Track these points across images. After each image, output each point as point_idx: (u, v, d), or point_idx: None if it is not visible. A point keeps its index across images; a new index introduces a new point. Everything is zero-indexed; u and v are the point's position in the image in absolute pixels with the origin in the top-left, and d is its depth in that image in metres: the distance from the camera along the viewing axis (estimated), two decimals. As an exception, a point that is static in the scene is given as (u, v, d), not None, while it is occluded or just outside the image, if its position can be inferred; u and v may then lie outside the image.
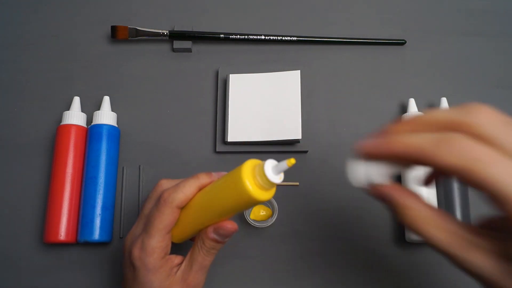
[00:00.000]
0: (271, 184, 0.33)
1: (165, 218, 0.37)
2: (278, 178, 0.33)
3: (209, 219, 0.37)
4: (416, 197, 0.28)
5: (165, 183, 0.40)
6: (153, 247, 0.37)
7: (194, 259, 0.38)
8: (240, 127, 0.50)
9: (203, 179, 0.38)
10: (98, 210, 0.46)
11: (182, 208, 0.38)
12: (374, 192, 0.29)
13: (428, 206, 0.27)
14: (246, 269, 0.48)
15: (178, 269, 0.38)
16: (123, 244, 0.40)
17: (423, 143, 0.24)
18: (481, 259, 0.25)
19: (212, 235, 0.37)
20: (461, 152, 0.23)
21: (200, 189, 0.38)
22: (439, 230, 0.26)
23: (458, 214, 0.46)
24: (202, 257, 0.38)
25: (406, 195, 0.28)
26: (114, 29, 0.54)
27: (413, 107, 0.50)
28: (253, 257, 0.48)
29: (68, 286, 0.48)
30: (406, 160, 0.26)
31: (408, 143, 0.25)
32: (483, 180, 0.23)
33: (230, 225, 0.37)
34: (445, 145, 0.24)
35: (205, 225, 0.38)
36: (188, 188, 0.37)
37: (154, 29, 0.55)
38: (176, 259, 0.39)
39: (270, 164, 0.33)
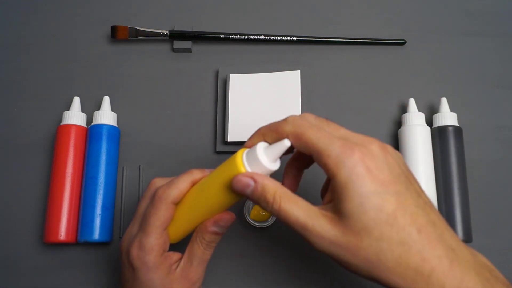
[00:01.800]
0: (266, 169, 0.32)
1: (161, 215, 0.37)
2: (273, 164, 0.33)
3: (205, 213, 0.38)
4: (269, 178, 0.33)
5: (158, 181, 0.40)
6: (152, 245, 0.37)
7: (194, 255, 0.38)
8: (240, 127, 0.50)
9: (196, 174, 0.38)
10: (98, 210, 0.46)
11: (177, 204, 0.38)
12: (239, 183, 0.33)
13: (280, 184, 0.33)
14: (246, 269, 0.48)
15: (177, 266, 0.38)
16: (120, 246, 0.40)
17: (272, 125, 0.34)
18: (324, 224, 0.30)
19: (212, 228, 0.38)
20: (293, 123, 0.33)
21: (194, 184, 0.38)
22: (297, 207, 0.32)
23: (458, 214, 0.46)
24: (202, 251, 0.38)
25: (263, 177, 0.33)
26: (114, 29, 0.54)
27: (413, 107, 0.50)
28: (253, 257, 0.48)
29: (68, 286, 0.48)
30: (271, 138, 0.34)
31: (264, 129, 0.35)
32: (305, 141, 0.31)
33: (229, 216, 0.38)
34: (285, 122, 0.33)
35: (201, 219, 0.38)
36: (182, 184, 0.38)
37: (154, 29, 0.55)
38: (174, 255, 0.39)
39: (261, 147, 0.33)
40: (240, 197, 0.36)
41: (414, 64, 0.55)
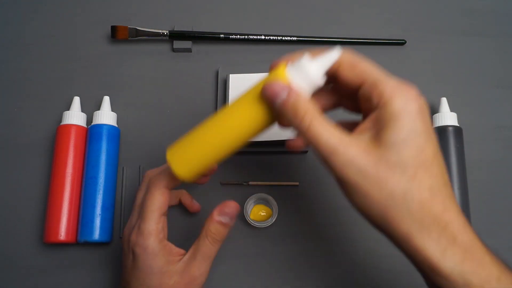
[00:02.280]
0: (311, 81, 0.30)
1: (156, 200, 0.38)
2: (319, 78, 0.30)
3: (226, 131, 0.33)
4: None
5: (152, 171, 0.43)
6: (149, 230, 0.38)
7: (199, 249, 0.39)
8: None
9: None
10: (98, 210, 0.46)
11: (170, 188, 0.39)
12: (270, 89, 0.31)
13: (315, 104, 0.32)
14: (246, 269, 0.48)
15: (180, 260, 0.39)
16: (122, 236, 0.41)
17: (323, 49, 0.33)
18: (357, 150, 0.29)
19: (218, 217, 0.39)
20: (346, 51, 0.33)
21: None
22: (329, 129, 0.30)
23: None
24: (207, 246, 0.39)
25: (299, 91, 0.31)
26: (114, 29, 0.54)
27: (413, 107, 0.50)
28: (253, 257, 0.48)
29: (68, 286, 0.48)
30: None
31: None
32: (363, 69, 0.33)
33: (233, 203, 0.39)
34: (335, 49, 0.33)
35: (220, 143, 0.34)
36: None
37: (154, 29, 0.55)
38: (177, 249, 0.40)
39: (308, 57, 0.30)
40: (272, 119, 0.32)
41: (414, 64, 0.55)
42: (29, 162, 0.51)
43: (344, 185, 0.30)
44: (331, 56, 0.30)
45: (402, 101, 0.30)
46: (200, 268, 0.39)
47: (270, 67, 0.35)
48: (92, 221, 0.46)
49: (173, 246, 0.39)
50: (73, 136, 0.49)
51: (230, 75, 0.52)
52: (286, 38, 0.55)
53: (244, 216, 0.47)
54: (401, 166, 0.28)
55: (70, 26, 0.57)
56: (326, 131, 0.30)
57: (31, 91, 0.54)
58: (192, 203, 0.48)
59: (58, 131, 0.49)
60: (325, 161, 0.30)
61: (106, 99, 0.51)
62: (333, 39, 0.55)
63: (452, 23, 0.57)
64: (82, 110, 0.51)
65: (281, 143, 0.50)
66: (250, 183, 0.50)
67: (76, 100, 0.51)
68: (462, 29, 0.57)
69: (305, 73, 0.30)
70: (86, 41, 0.56)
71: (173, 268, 0.38)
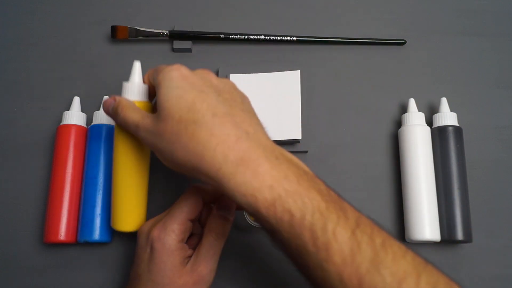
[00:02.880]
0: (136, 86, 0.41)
1: (189, 203, 0.40)
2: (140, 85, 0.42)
3: (130, 173, 0.42)
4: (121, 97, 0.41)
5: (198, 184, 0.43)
6: (173, 228, 0.39)
7: (204, 247, 0.40)
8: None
9: None
10: (98, 210, 0.46)
11: (205, 202, 0.41)
12: (105, 103, 0.41)
13: (131, 101, 0.40)
14: (246, 269, 0.48)
15: (188, 261, 0.40)
16: (139, 230, 0.41)
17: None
18: (150, 120, 0.37)
19: (218, 212, 0.40)
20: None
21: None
22: (135, 113, 0.38)
23: (458, 214, 0.46)
24: (212, 242, 0.40)
25: (122, 97, 0.41)
26: (114, 29, 0.54)
27: (413, 107, 0.51)
28: (253, 257, 0.48)
29: (68, 286, 0.48)
30: None
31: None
32: (150, 75, 0.42)
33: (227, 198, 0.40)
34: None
35: (135, 184, 0.42)
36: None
37: (154, 29, 0.55)
38: (189, 251, 0.40)
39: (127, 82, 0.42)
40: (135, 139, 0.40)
41: (414, 64, 0.55)
42: (29, 162, 0.51)
43: (151, 148, 0.38)
44: (135, 67, 0.43)
45: (164, 73, 0.37)
46: (207, 266, 0.39)
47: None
48: (92, 221, 0.46)
49: (187, 247, 0.40)
50: (73, 136, 0.49)
51: (230, 75, 0.52)
52: (286, 38, 0.55)
53: (244, 216, 0.47)
54: (169, 116, 0.35)
55: (70, 26, 0.57)
56: (133, 114, 0.38)
57: (31, 91, 0.54)
58: None
59: (58, 131, 0.49)
60: (135, 134, 0.38)
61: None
62: (333, 39, 0.55)
63: (452, 23, 0.57)
64: (82, 110, 0.51)
65: (281, 143, 0.50)
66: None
67: (76, 100, 0.51)
68: (462, 29, 0.57)
69: (125, 87, 0.41)
70: (86, 41, 0.56)
71: (183, 268, 0.39)
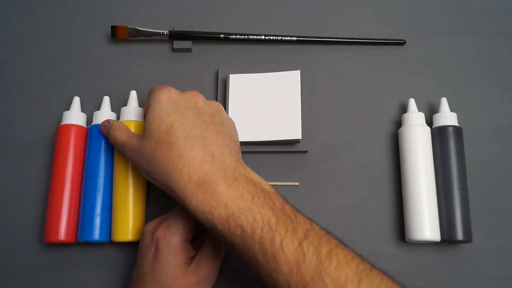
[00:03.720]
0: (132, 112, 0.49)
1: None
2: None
3: (128, 186, 0.46)
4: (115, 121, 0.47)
5: None
6: (178, 228, 0.39)
7: (207, 248, 0.40)
8: (240, 127, 0.50)
9: None
10: (98, 210, 0.46)
11: None
12: (101, 126, 0.47)
13: (122, 123, 0.46)
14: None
15: (191, 262, 0.40)
16: (143, 230, 0.42)
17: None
18: (136, 139, 0.42)
19: None
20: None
21: None
22: (124, 133, 0.44)
23: (458, 214, 0.46)
24: (214, 243, 0.40)
25: (114, 120, 0.47)
26: (114, 29, 0.54)
27: (413, 107, 0.51)
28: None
29: (68, 286, 0.48)
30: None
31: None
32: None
33: None
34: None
35: (132, 196, 0.46)
36: None
37: (154, 29, 0.55)
38: (193, 251, 0.41)
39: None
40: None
41: (414, 64, 0.55)
42: (29, 162, 0.51)
43: (137, 166, 0.42)
44: (131, 94, 0.50)
45: (154, 96, 0.42)
46: (210, 267, 0.40)
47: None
48: (92, 221, 0.46)
49: (191, 248, 0.41)
50: (73, 136, 0.49)
51: (230, 75, 0.52)
52: (286, 38, 0.55)
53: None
54: (150, 136, 0.39)
55: (70, 26, 0.57)
56: (122, 135, 0.44)
57: (31, 91, 0.54)
58: None
59: (58, 131, 0.49)
60: (123, 152, 0.44)
61: (106, 99, 0.51)
62: (333, 39, 0.55)
63: (452, 23, 0.57)
64: (82, 110, 0.51)
65: (281, 143, 0.50)
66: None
67: (76, 100, 0.51)
68: (462, 29, 0.57)
69: (122, 110, 0.49)
70: (86, 41, 0.56)
71: (186, 269, 0.39)
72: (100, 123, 0.48)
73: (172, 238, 0.39)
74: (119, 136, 0.44)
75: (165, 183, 0.37)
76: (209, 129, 0.40)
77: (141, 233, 0.42)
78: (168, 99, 0.41)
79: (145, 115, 0.47)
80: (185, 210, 0.40)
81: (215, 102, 0.43)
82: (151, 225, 0.41)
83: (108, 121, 0.47)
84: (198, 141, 0.38)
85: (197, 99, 0.42)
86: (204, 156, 0.37)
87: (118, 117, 0.52)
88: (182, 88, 0.54)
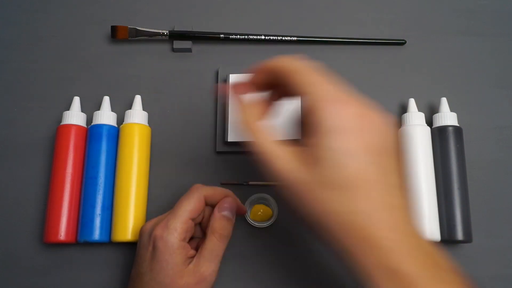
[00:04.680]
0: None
1: (192, 202, 0.41)
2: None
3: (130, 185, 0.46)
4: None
5: (200, 185, 0.44)
6: (175, 227, 0.39)
7: (206, 248, 0.40)
8: (240, 127, 0.50)
9: (230, 193, 0.43)
10: (98, 210, 0.46)
11: (207, 203, 0.42)
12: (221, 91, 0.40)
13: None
14: (246, 269, 0.48)
15: (191, 262, 0.40)
16: (141, 229, 0.42)
17: (270, 61, 0.36)
18: (285, 150, 0.32)
19: (220, 213, 0.41)
20: (285, 60, 0.34)
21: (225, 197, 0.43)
22: (264, 136, 0.34)
23: (458, 214, 0.46)
24: (215, 243, 0.40)
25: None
26: (114, 29, 0.54)
27: (413, 107, 0.50)
28: (253, 257, 0.48)
29: (68, 286, 0.48)
30: (264, 78, 0.36)
31: (263, 65, 0.36)
32: (291, 73, 0.33)
33: (229, 199, 0.42)
34: (278, 58, 0.35)
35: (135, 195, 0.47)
36: (218, 189, 0.43)
37: (154, 29, 0.55)
38: (191, 251, 0.41)
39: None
40: None
41: (414, 64, 0.55)
42: (29, 162, 0.51)
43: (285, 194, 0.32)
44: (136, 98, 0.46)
45: (336, 119, 0.30)
46: (209, 267, 0.40)
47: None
48: (92, 221, 0.46)
49: (189, 247, 0.41)
50: (73, 136, 0.49)
51: (230, 75, 0.52)
52: (286, 38, 0.55)
53: (244, 216, 0.47)
54: (339, 187, 0.29)
55: (70, 26, 0.57)
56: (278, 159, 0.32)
57: (31, 91, 0.54)
58: (240, 206, 0.45)
59: (58, 131, 0.49)
60: (267, 170, 0.32)
61: (106, 99, 0.51)
62: (333, 39, 0.55)
63: (452, 23, 0.57)
64: (82, 110, 0.51)
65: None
66: (250, 183, 0.50)
67: (76, 100, 0.51)
68: (462, 29, 0.57)
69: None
70: (86, 41, 0.56)
71: (185, 269, 0.39)
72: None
73: (169, 237, 0.39)
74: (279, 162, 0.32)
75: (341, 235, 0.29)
76: (397, 186, 0.32)
77: (139, 232, 0.42)
78: (359, 129, 0.31)
79: None
80: (182, 210, 0.40)
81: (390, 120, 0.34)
82: (149, 225, 0.41)
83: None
84: (397, 214, 0.30)
85: (382, 125, 0.33)
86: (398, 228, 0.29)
87: (118, 118, 0.52)
88: (182, 88, 0.54)
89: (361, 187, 0.29)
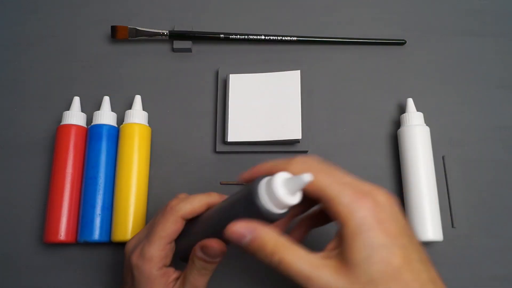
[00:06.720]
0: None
1: (168, 226, 0.37)
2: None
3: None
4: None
5: (175, 200, 0.39)
6: (151, 255, 0.36)
7: (187, 279, 0.37)
8: (240, 127, 0.50)
9: (214, 197, 0.38)
10: (98, 210, 0.46)
11: (187, 220, 0.38)
12: (233, 234, 0.33)
13: (278, 232, 0.32)
14: (246, 269, 0.48)
15: (174, 284, 0.37)
16: (125, 248, 0.40)
17: (278, 163, 0.34)
18: (329, 274, 0.29)
19: (199, 253, 0.36)
20: (302, 164, 0.33)
21: (210, 206, 0.38)
22: (299, 258, 0.30)
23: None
24: (194, 277, 0.37)
25: (261, 227, 0.32)
26: (114, 29, 0.54)
27: (411, 107, 0.51)
28: (253, 257, 0.48)
29: (68, 286, 0.48)
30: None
31: (269, 165, 0.34)
32: (316, 184, 0.31)
33: (217, 245, 0.35)
34: (292, 161, 0.33)
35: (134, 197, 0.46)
36: (196, 201, 0.37)
37: (154, 29, 0.55)
38: (174, 274, 0.38)
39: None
40: None
41: (414, 64, 0.55)
42: (29, 162, 0.51)
43: None
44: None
45: (358, 219, 0.30)
46: (196, 286, 0.37)
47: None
48: (92, 221, 0.46)
49: (171, 271, 0.38)
50: (73, 136, 0.49)
51: (230, 75, 0.52)
52: (286, 38, 0.55)
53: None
54: (372, 283, 0.28)
55: (70, 26, 0.57)
56: (297, 261, 0.30)
57: (31, 91, 0.54)
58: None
59: (58, 131, 0.49)
60: (303, 286, 0.30)
61: (106, 99, 0.51)
62: (333, 39, 0.55)
63: (452, 23, 0.57)
64: (82, 110, 0.51)
65: (281, 143, 0.50)
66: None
67: (76, 100, 0.51)
68: (462, 29, 0.57)
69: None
70: (86, 41, 0.56)
71: None
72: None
73: (145, 268, 0.36)
74: (298, 264, 0.31)
75: None
76: (428, 260, 0.32)
77: (124, 249, 0.40)
78: (381, 222, 0.30)
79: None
80: (157, 237, 0.37)
81: (395, 200, 0.33)
82: (131, 244, 0.39)
83: (254, 230, 0.32)
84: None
85: (394, 208, 0.32)
86: None
87: (118, 118, 0.52)
88: (182, 88, 0.54)
89: (392, 277, 0.29)
